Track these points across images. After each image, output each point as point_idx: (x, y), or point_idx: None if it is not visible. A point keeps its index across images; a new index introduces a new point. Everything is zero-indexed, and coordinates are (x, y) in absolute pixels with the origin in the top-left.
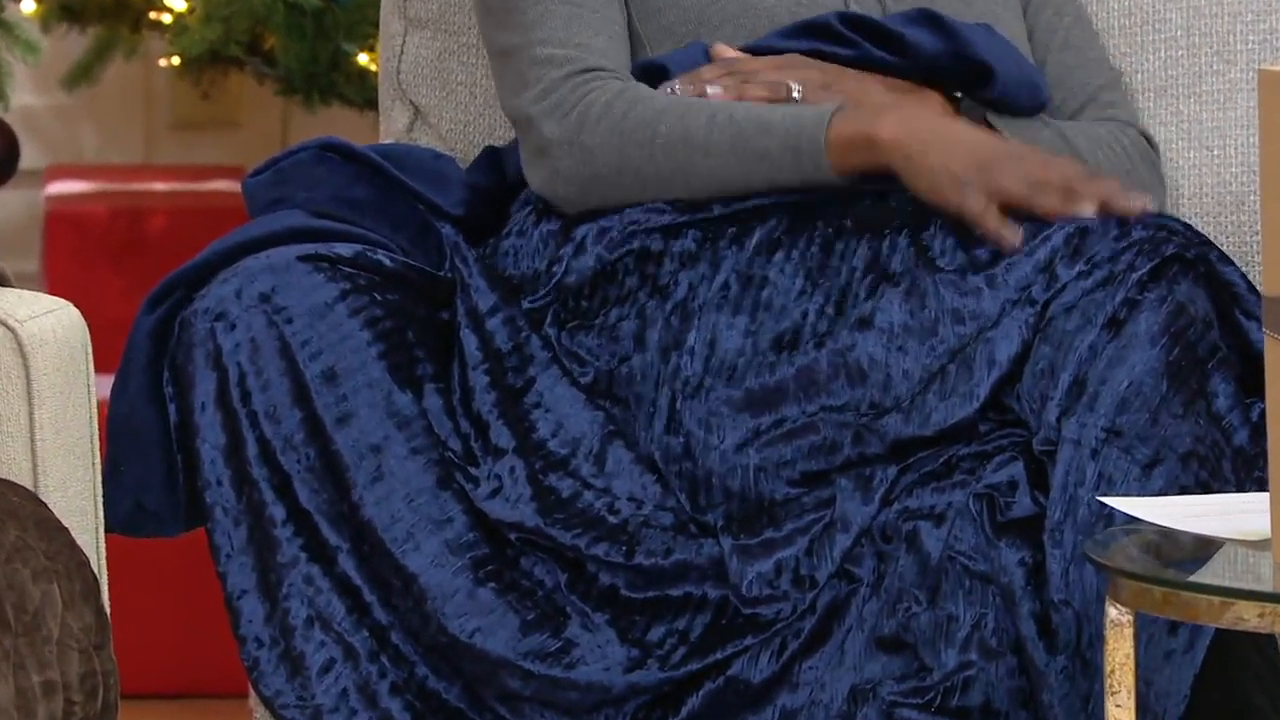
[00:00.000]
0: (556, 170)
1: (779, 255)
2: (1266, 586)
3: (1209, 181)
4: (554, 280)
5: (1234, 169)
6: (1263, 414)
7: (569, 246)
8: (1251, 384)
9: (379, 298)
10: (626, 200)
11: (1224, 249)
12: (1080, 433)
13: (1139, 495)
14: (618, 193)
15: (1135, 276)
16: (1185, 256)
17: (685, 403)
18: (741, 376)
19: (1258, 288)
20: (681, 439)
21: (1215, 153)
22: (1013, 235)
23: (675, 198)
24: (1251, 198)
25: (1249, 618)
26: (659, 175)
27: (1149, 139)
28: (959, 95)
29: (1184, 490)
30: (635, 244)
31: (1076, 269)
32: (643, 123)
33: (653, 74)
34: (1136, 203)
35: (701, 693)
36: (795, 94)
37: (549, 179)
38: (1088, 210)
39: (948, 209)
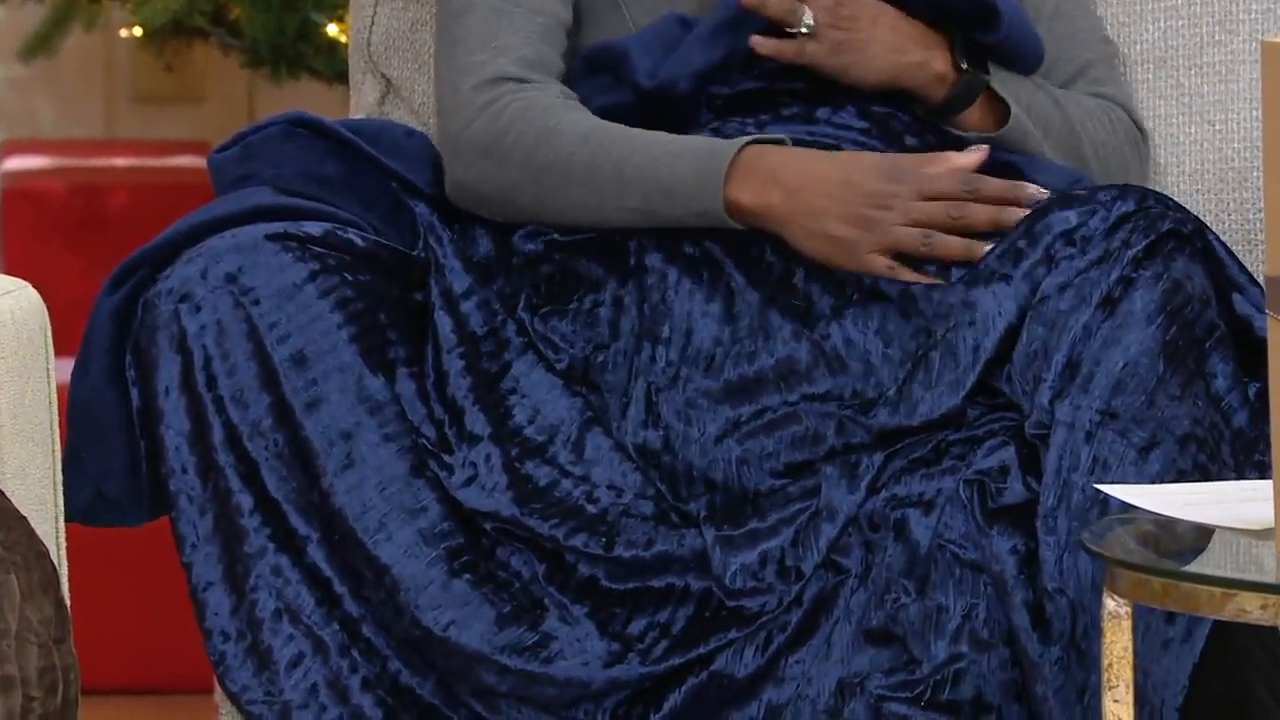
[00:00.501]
0: (471, 190)
1: (743, 239)
2: (1269, 577)
3: (1210, 158)
4: (517, 266)
5: (1236, 144)
6: (1261, 393)
7: (523, 234)
8: (1247, 361)
9: (350, 278)
10: (541, 224)
11: (1226, 227)
12: (1074, 415)
13: (1135, 479)
14: (530, 220)
15: (1130, 254)
16: (1182, 231)
17: (662, 394)
18: (720, 367)
19: (1245, 263)
20: (660, 432)
21: (1217, 127)
22: (932, 279)
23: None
24: (1255, 174)
25: (1251, 609)
26: (577, 220)
27: (1138, 123)
28: (955, 52)
29: (1181, 474)
30: (593, 232)
31: (1044, 243)
32: (554, 166)
33: (604, 63)
34: (1032, 193)
35: (684, 688)
36: (805, 26)
37: (456, 190)
38: (985, 248)
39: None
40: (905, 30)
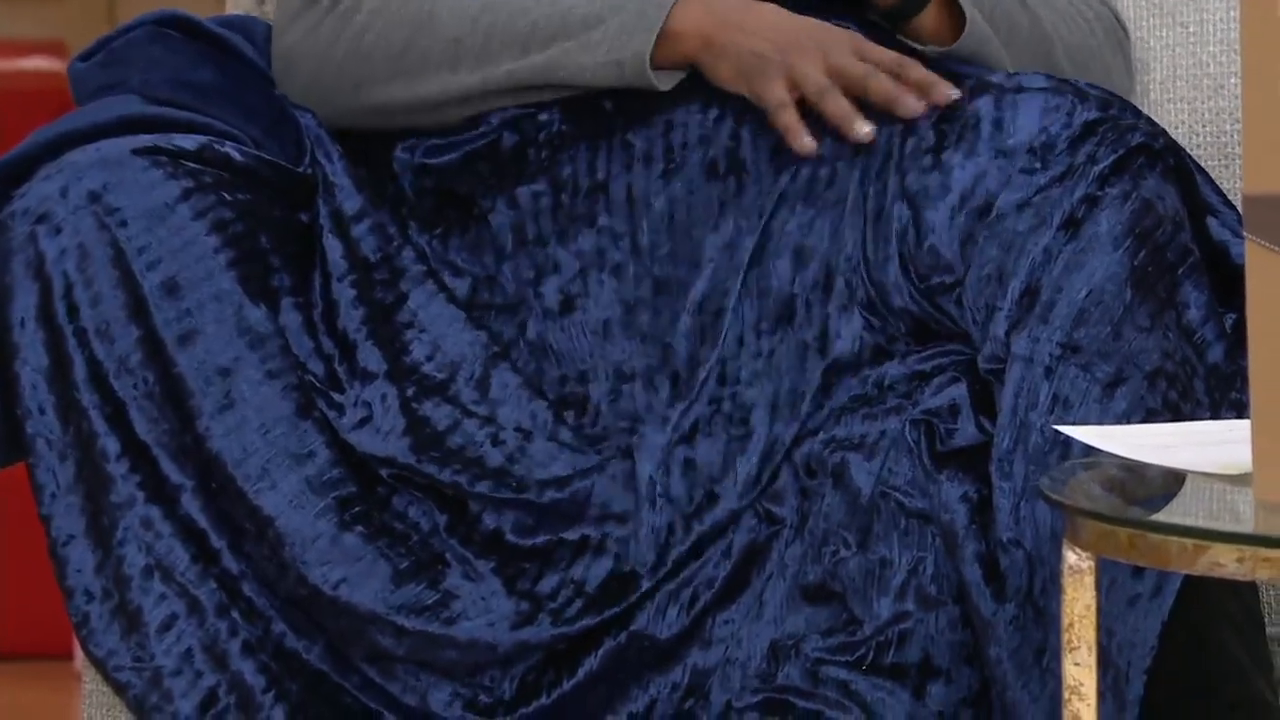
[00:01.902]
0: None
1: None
2: (1246, 527)
3: (1183, 63)
4: (407, 183)
5: (1211, 48)
6: (1238, 325)
7: (405, 147)
8: (1223, 291)
9: (227, 198)
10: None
11: (1200, 140)
12: (1032, 348)
13: (1099, 418)
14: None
15: (1097, 169)
16: (1152, 147)
17: (558, 321)
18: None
19: (1220, 179)
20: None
21: (1191, 30)
22: (804, 141)
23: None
24: (1232, 81)
25: (1226, 563)
26: (441, 107)
27: (1119, 18)
28: None
29: (1151, 412)
30: (483, 143)
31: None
32: (431, 51)
33: None
34: (945, 91)
35: (601, 651)
36: None
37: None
38: (913, 106)
39: (749, 96)
40: None
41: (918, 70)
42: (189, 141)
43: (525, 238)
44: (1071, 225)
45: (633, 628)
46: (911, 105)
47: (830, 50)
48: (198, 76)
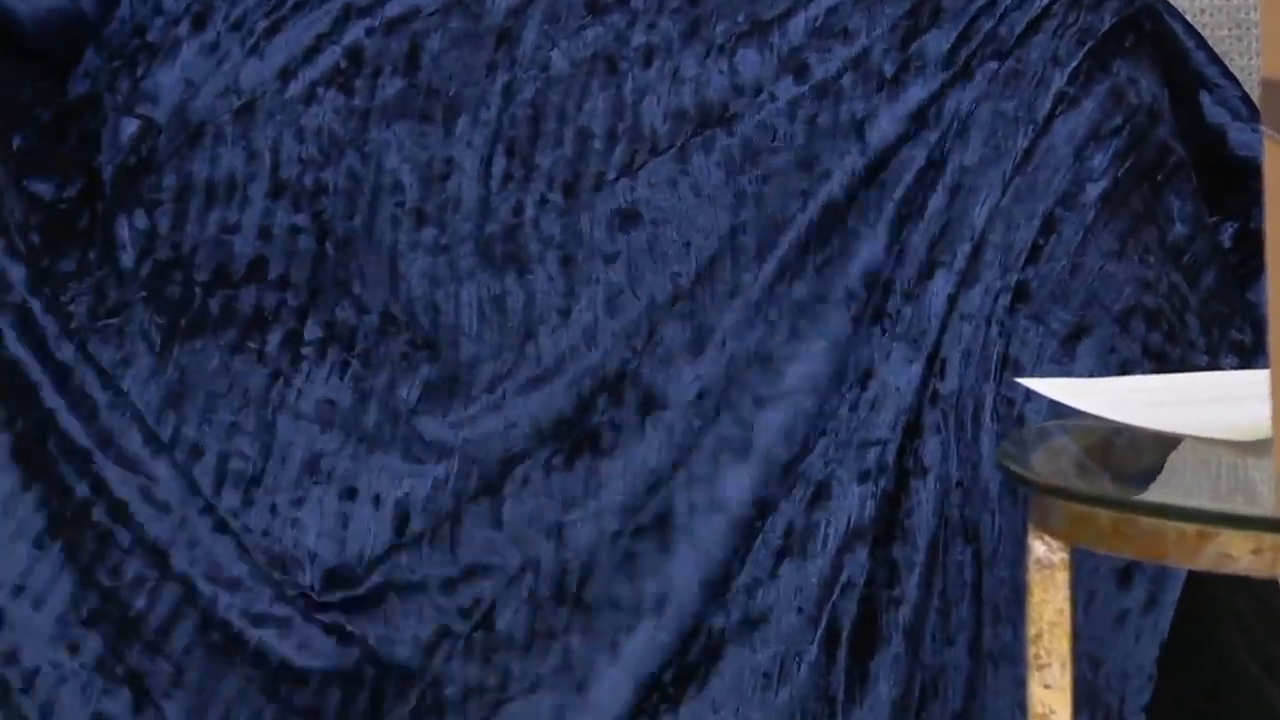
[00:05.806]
0: None
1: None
2: (1265, 510)
3: None
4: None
5: None
6: (1237, 238)
7: None
8: (1219, 191)
9: None
10: None
11: (1206, 2)
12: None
13: None
14: None
15: (1062, 76)
16: (1126, 15)
17: None
18: None
19: (1231, 57)
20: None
21: None
22: None
23: None
24: None
25: (1239, 555)
26: None
27: None
28: None
29: (1126, 365)
30: None
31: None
32: None
33: None
34: None
35: None
36: None
37: None
38: None
39: None
40: None
41: None
42: None
43: None
44: (1029, 155)
45: None
46: None
47: None
48: None
